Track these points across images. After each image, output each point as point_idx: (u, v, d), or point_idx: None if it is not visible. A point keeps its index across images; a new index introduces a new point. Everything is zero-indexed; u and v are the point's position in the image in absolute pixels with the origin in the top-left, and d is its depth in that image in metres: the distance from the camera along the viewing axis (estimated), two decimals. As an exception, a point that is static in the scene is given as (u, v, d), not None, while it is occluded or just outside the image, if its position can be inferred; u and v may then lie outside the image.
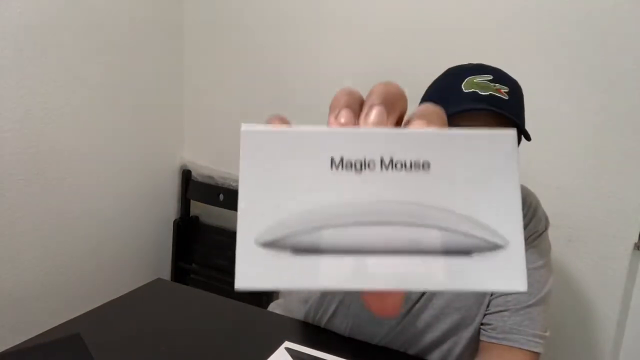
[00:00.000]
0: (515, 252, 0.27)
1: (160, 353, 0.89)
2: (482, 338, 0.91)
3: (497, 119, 0.78)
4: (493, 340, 0.88)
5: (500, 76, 0.83)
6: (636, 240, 1.20)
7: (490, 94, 0.79)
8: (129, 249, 1.70)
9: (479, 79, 0.81)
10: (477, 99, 0.78)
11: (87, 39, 1.44)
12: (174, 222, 1.83)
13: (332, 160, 0.25)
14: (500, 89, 0.81)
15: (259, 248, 0.25)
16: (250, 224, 0.25)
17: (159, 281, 1.18)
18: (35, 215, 1.38)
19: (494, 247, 0.26)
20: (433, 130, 0.26)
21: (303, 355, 0.88)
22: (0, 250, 1.31)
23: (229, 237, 1.78)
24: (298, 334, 1.00)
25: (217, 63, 1.73)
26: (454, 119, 0.79)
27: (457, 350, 0.95)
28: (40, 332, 0.91)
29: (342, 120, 0.26)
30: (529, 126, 1.27)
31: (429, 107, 0.27)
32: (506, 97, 0.80)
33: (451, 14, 1.32)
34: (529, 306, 0.88)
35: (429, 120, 0.26)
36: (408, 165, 0.25)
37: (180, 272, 1.85)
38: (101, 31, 1.48)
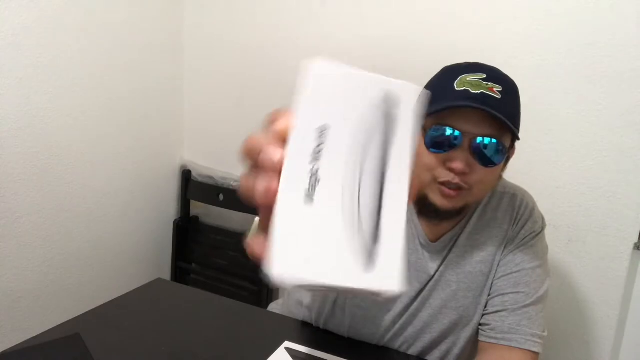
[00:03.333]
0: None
1: (160, 353, 0.89)
2: (480, 338, 0.91)
3: (486, 117, 0.77)
4: (492, 341, 0.88)
5: (494, 75, 0.81)
6: (636, 240, 1.20)
7: (481, 92, 0.77)
8: (129, 249, 1.70)
9: (471, 77, 0.80)
10: (467, 97, 0.77)
11: (87, 39, 1.44)
12: (174, 222, 1.83)
13: None
14: (493, 87, 0.79)
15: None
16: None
17: (159, 281, 1.18)
18: (35, 215, 1.38)
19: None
20: None
21: (303, 355, 0.88)
22: (0, 250, 1.31)
23: (229, 237, 1.78)
24: (298, 334, 1.00)
25: (217, 63, 1.73)
26: (442, 116, 0.79)
27: (456, 350, 0.95)
28: (40, 332, 0.91)
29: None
30: (530, 126, 1.27)
31: None
32: (498, 96, 0.78)
33: (453, 10, 1.32)
34: (526, 306, 0.87)
35: None
36: None
37: (180, 272, 1.85)
38: (101, 31, 1.48)
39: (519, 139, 0.84)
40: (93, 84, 1.48)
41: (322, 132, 0.31)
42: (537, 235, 0.93)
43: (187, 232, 1.85)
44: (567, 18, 1.20)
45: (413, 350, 0.96)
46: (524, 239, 0.92)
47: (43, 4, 1.31)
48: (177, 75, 1.79)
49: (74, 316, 0.98)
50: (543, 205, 1.28)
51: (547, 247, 0.96)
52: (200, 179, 1.81)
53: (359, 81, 0.33)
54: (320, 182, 0.31)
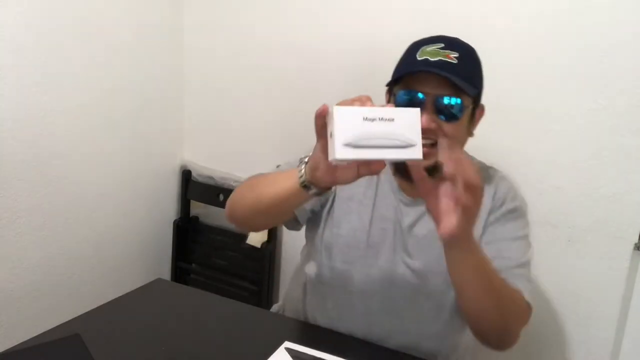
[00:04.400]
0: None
1: (160, 353, 0.89)
2: None
3: (445, 80, 0.86)
4: None
5: (451, 44, 0.91)
6: (636, 240, 1.20)
7: (439, 59, 0.88)
8: (129, 249, 1.70)
9: (431, 47, 0.90)
10: (426, 64, 0.88)
11: (87, 39, 1.44)
12: (174, 222, 1.83)
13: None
14: (450, 54, 0.88)
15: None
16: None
17: (159, 281, 1.18)
18: (35, 216, 1.38)
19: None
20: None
21: (303, 355, 0.88)
22: (0, 250, 1.31)
23: (229, 237, 1.78)
24: (298, 334, 1.00)
25: (217, 63, 1.73)
26: (407, 82, 0.90)
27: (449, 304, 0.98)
28: (40, 332, 0.91)
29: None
30: (530, 125, 1.27)
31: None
32: (454, 61, 0.88)
33: (453, 10, 1.33)
34: (510, 268, 0.91)
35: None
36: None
37: (180, 272, 1.85)
38: (101, 31, 1.48)
39: (479, 98, 0.95)
40: (93, 84, 1.48)
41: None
42: (521, 213, 0.98)
43: (187, 232, 1.85)
44: (567, 18, 1.20)
45: (408, 315, 0.99)
46: (513, 211, 0.97)
47: (43, 4, 1.31)
48: (177, 75, 1.79)
49: (74, 316, 0.98)
50: (543, 205, 1.29)
51: (528, 223, 1.00)
52: (200, 179, 1.81)
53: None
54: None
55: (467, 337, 1.02)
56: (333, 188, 0.95)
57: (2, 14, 1.23)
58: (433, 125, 0.87)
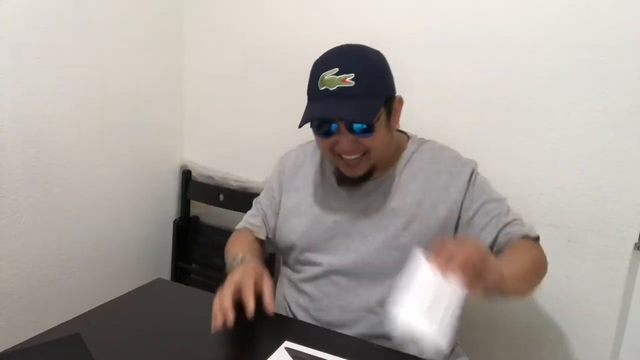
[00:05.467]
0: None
1: (160, 353, 0.89)
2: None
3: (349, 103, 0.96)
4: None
5: (346, 65, 0.97)
6: (636, 240, 1.20)
7: (337, 87, 0.96)
8: (129, 249, 1.70)
9: (328, 75, 0.97)
10: (327, 94, 0.97)
11: (86, 39, 1.44)
12: (174, 222, 1.83)
13: None
14: (346, 78, 0.96)
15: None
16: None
17: (159, 281, 1.18)
18: (35, 215, 1.38)
19: None
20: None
21: (303, 355, 0.88)
22: (0, 250, 1.31)
23: (228, 237, 1.77)
24: (298, 334, 1.00)
25: (217, 63, 1.73)
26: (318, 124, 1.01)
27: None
28: (40, 332, 0.91)
29: None
30: (530, 125, 1.27)
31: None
32: (352, 84, 0.95)
33: (453, 10, 1.33)
34: (504, 220, 1.03)
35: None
36: None
37: (180, 272, 1.85)
38: (101, 31, 1.48)
39: (391, 97, 1.03)
40: (93, 84, 1.48)
41: None
42: (475, 175, 1.08)
43: (187, 232, 1.85)
44: (567, 18, 1.20)
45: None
46: (469, 180, 1.06)
47: (43, 3, 1.31)
48: (177, 75, 1.79)
49: (74, 316, 0.98)
50: (543, 205, 1.29)
51: (485, 177, 1.11)
52: (200, 179, 1.81)
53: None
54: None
55: (466, 336, 1.04)
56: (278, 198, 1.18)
57: (1, 14, 1.23)
58: (354, 146, 1.00)
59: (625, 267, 1.22)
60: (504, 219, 1.04)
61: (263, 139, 1.69)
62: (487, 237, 1.03)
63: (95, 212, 1.55)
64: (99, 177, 1.55)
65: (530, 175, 1.29)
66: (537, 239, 1.04)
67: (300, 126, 0.99)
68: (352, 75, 0.96)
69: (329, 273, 1.08)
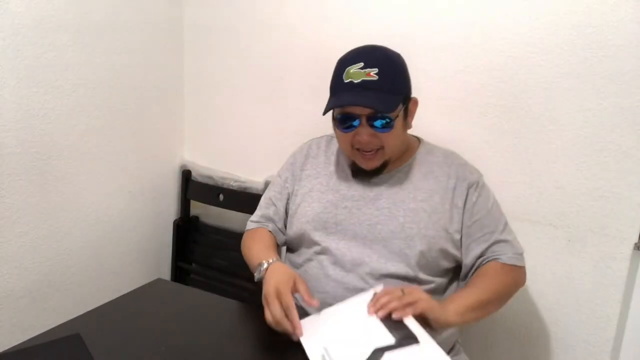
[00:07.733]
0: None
1: (160, 353, 0.89)
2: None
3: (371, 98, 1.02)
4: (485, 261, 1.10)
5: (370, 60, 1.03)
6: (636, 240, 1.20)
7: (361, 80, 1.02)
8: (129, 249, 1.70)
9: (353, 68, 1.03)
10: (352, 86, 1.03)
11: (87, 39, 1.44)
12: (174, 222, 1.83)
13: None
14: (370, 72, 1.02)
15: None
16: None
17: (159, 281, 1.18)
18: (35, 215, 1.38)
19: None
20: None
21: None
22: (0, 250, 1.31)
23: (228, 237, 1.78)
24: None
25: (217, 63, 1.73)
26: (342, 109, 1.06)
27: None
28: (40, 332, 0.91)
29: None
30: (530, 125, 1.27)
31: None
32: (376, 78, 1.02)
33: (453, 10, 1.33)
34: (495, 238, 1.10)
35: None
36: None
37: (180, 272, 1.85)
38: (101, 31, 1.48)
39: (408, 96, 1.09)
40: (93, 84, 1.48)
41: None
42: (480, 185, 1.13)
43: (187, 232, 1.85)
44: (567, 18, 1.20)
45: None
46: (471, 187, 1.11)
47: (43, 4, 1.31)
48: (177, 75, 1.79)
49: (74, 316, 0.98)
50: (543, 205, 1.29)
51: (491, 191, 1.16)
52: (200, 179, 1.81)
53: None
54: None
55: (466, 335, 1.06)
56: (292, 189, 1.22)
57: (2, 14, 1.23)
58: (372, 139, 1.05)
59: (625, 267, 1.22)
60: (497, 235, 1.10)
61: (263, 139, 1.69)
62: (475, 249, 1.10)
63: (95, 212, 1.55)
64: (98, 177, 1.55)
65: (530, 175, 1.29)
66: (519, 267, 1.11)
67: (324, 113, 1.05)
68: (376, 70, 1.02)
69: (323, 253, 1.12)
